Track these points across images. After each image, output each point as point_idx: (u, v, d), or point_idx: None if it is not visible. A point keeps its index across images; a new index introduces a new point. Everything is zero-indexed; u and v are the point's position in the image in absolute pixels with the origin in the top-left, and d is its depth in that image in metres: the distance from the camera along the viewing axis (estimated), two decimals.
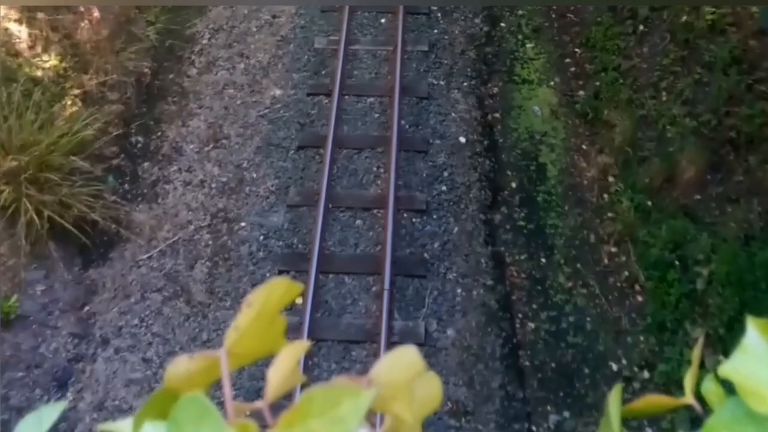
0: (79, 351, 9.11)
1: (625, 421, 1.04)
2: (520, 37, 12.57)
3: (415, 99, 11.81)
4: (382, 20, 13.12)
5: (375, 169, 10.84)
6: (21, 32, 10.81)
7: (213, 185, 10.59)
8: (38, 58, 10.82)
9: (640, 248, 9.91)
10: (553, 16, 12.74)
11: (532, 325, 9.57)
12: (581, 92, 11.68)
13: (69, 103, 10.63)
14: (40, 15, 11.01)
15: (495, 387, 9.01)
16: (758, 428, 0.93)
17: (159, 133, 11.24)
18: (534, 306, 9.73)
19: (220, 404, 0.91)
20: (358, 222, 10.26)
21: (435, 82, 12.12)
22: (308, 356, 8.68)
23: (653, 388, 8.77)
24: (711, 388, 1.05)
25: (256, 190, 10.60)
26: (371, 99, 11.81)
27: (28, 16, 10.94)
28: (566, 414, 8.90)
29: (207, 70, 12.05)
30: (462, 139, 11.24)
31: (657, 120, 10.77)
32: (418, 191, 10.62)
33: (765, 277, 8.93)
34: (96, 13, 11.46)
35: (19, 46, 10.74)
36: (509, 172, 10.97)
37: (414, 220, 10.32)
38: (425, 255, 9.97)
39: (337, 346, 9.02)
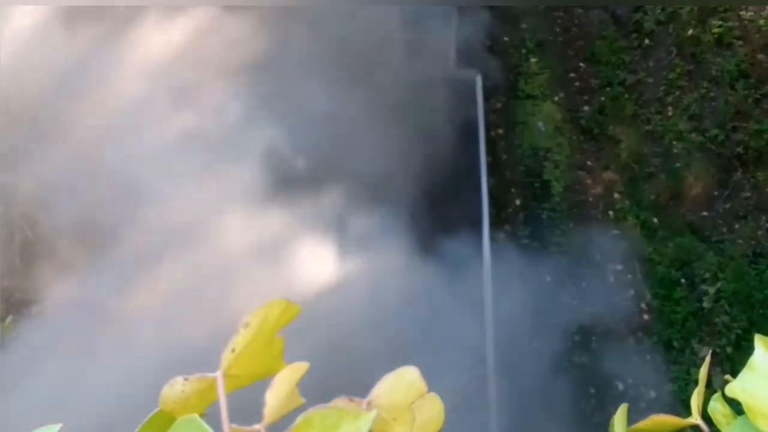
0: None
1: None
2: (523, 51, 12.46)
3: None
4: None
5: None
6: None
7: None
8: None
9: (646, 266, 9.89)
10: (557, 30, 12.65)
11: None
12: (586, 107, 11.60)
13: None
14: None
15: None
16: None
17: None
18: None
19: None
20: None
21: None
22: None
23: (659, 408, 8.67)
24: (718, 408, 1.08)
25: None
26: None
27: None
28: None
29: None
30: None
31: (663, 135, 10.76)
32: None
33: None
34: None
35: None
36: (513, 189, 10.86)
37: None
38: None
39: None
